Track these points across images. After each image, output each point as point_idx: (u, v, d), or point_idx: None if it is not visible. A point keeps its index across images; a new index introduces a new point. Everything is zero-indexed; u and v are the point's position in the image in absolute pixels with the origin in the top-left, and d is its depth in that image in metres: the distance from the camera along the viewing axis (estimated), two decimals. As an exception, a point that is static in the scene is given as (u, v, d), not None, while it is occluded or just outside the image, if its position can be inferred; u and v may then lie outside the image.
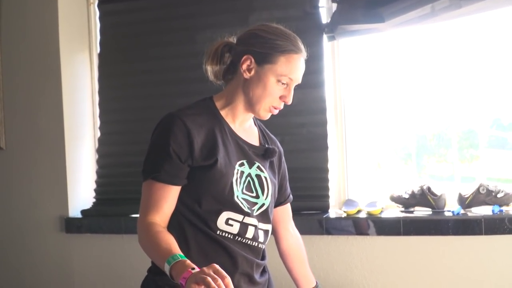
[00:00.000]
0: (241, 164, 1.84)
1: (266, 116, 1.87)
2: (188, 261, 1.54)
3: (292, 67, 1.80)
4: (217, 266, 1.45)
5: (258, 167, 1.89)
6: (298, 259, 2.13)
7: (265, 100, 1.82)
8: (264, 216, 1.89)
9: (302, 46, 1.85)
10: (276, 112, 1.87)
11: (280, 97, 1.83)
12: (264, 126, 2.07)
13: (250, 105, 1.85)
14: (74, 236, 3.27)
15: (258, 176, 1.88)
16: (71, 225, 3.26)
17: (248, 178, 1.85)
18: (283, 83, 1.81)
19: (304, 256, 2.14)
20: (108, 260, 3.25)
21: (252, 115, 1.93)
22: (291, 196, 2.15)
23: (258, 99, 1.82)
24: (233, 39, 1.91)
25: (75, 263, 3.31)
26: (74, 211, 3.30)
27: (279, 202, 2.07)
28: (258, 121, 2.03)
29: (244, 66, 1.82)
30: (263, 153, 1.93)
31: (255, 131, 1.99)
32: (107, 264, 3.25)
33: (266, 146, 1.97)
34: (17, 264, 3.38)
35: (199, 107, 1.87)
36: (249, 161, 1.87)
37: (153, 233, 1.70)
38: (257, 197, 1.87)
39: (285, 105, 2.93)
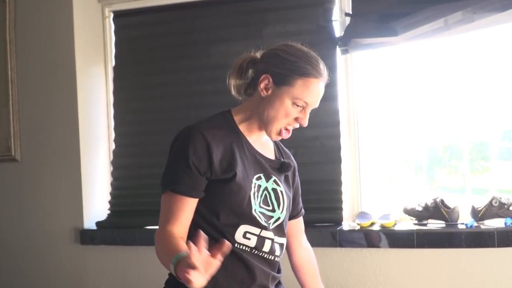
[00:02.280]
0: (258, 178, 1.86)
1: (277, 138, 1.88)
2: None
3: (309, 92, 1.78)
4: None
5: (275, 181, 1.91)
6: (310, 272, 2.14)
7: (278, 121, 1.81)
8: (280, 230, 1.91)
9: (323, 71, 1.82)
10: (287, 135, 1.86)
11: (295, 119, 1.83)
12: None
13: (264, 124, 1.85)
14: (89, 247, 3.29)
15: (274, 190, 1.90)
16: (86, 237, 3.28)
17: (265, 192, 1.86)
18: (298, 106, 1.80)
19: (316, 269, 2.15)
20: (123, 271, 3.27)
21: None
22: (303, 210, 2.17)
23: (271, 120, 1.82)
24: (259, 54, 1.90)
25: (90, 274, 3.32)
26: (89, 223, 3.32)
27: (291, 215, 2.08)
28: None
29: (262, 85, 1.82)
30: (279, 167, 1.95)
31: (270, 145, 2.00)
32: (122, 275, 3.27)
33: (282, 160, 1.98)
34: (32, 275, 3.40)
35: (217, 120, 1.88)
36: (266, 175, 1.88)
37: (166, 239, 1.72)
38: (273, 210, 1.88)
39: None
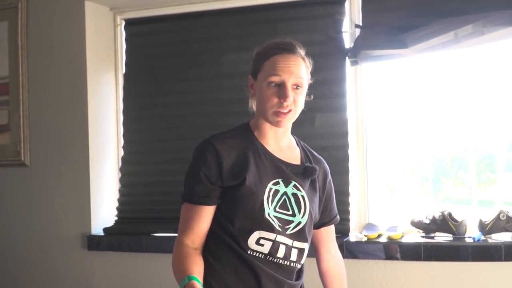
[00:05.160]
0: (276, 183, 1.87)
1: (279, 122, 1.86)
2: (196, 284, 1.65)
3: (276, 67, 1.83)
4: None
5: (295, 186, 1.91)
6: (337, 281, 2.12)
7: (266, 107, 1.84)
8: (300, 235, 1.90)
9: (290, 45, 1.87)
10: (285, 116, 1.84)
11: (278, 98, 1.83)
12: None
13: (263, 117, 1.89)
14: (96, 253, 3.31)
15: (294, 194, 1.90)
16: (93, 243, 3.29)
17: (284, 196, 1.87)
18: (274, 85, 1.83)
19: (344, 278, 2.14)
20: (130, 278, 3.27)
21: (287, 133, 1.98)
22: (337, 217, 2.15)
23: (262, 108, 1.87)
24: None
25: (96, 280, 3.34)
26: (97, 229, 3.33)
27: (323, 222, 2.08)
28: (301, 142, 2.06)
29: (249, 86, 1.95)
30: (303, 172, 1.95)
31: (296, 151, 2.01)
32: (128, 282, 3.27)
33: (306, 164, 1.98)
34: (40, 280, 3.42)
35: (234, 131, 1.95)
36: (285, 180, 1.90)
37: (180, 254, 1.82)
38: (294, 215, 1.88)
39: (308, 128, 3.00)
